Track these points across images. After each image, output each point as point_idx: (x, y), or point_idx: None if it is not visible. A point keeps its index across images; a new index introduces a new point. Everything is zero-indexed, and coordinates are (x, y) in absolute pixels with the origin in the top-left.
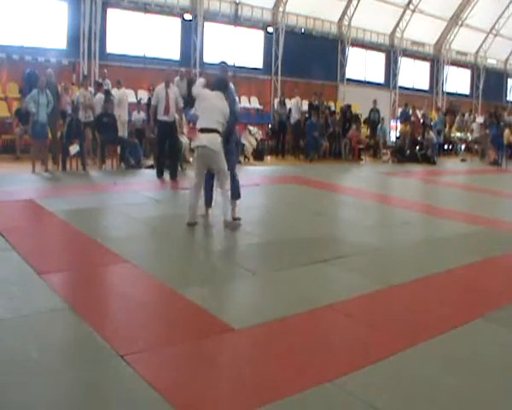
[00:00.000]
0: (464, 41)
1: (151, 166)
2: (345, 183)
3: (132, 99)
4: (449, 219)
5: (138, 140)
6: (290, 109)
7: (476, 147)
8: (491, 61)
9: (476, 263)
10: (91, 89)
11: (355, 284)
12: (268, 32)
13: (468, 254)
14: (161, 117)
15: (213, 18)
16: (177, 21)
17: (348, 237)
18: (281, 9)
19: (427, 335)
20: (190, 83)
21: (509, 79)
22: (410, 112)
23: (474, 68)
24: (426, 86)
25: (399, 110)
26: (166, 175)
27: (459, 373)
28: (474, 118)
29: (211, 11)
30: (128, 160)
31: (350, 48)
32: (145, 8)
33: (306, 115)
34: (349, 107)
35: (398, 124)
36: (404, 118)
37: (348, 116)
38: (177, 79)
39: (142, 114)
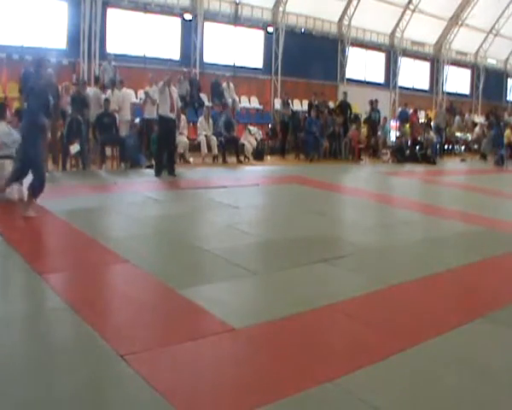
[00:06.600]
0: (464, 41)
1: (150, 166)
2: (345, 183)
3: (133, 99)
4: (449, 219)
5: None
6: (291, 109)
7: (475, 147)
8: (491, 61)
9: (476, 263)
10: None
11: (355, 284)
12: (268, 32)
13: (468, 254)
14: (167, 114)
15: (213, 18)
16: (177, 21)
17: (348, 236)
18: (281, 9)
19: (427, 335)
20: (192, 83)
21: (509, 79)
22: (410, 112)
23: (474, 68)
24: (426, 86)
25: (399, 110)
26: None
27: (459, 373)
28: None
29: (211, 11)
30: (128, 159)
31: (350, 48)
32: (145, 8)
33: (306, 115)
34: (345, 94)
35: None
36: (404, 118)
37: (345, 107)
38: (180, 78)
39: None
